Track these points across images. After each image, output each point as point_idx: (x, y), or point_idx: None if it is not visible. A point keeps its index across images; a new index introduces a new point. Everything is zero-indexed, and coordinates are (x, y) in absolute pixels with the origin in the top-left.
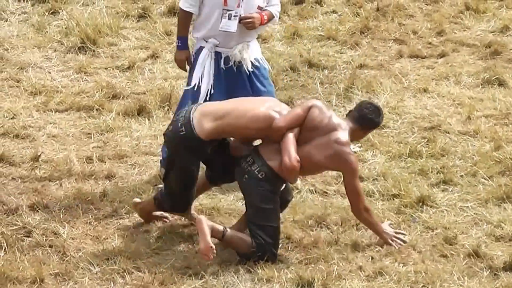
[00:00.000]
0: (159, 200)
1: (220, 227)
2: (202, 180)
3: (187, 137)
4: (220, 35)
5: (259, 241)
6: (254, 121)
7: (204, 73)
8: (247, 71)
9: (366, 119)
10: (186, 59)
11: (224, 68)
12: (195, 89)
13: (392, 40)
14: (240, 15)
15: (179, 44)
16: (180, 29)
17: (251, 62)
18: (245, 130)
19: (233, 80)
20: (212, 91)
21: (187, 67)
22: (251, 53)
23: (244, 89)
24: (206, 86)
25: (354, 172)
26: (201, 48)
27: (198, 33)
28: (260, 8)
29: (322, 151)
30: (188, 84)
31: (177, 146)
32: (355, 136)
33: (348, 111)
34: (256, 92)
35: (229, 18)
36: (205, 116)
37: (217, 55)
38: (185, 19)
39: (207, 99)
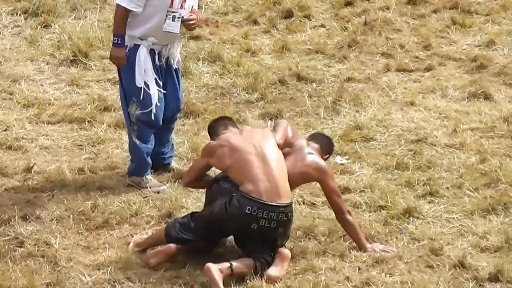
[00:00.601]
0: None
1: (226, 264)
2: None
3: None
4: (160, 34)
5: (262, 261)
6: None
7: (146, 71)
8: (174, 67)
9: (329, 144)
10: (124, 56)
11: (158, 64)
12: (142, 88)
13: (380, 54)
14: (183, 17)
15: (119, 42)
16: (119, 27)
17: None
18: None
19: (165, 75)
20: (156, 84)
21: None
22: (177, 49)
23: (173, 84)
24: (153, 81)
25: (332, 176)
26: (135, 46)
27: (133, 31)
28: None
29: (301, 161)
30: (137, 82)
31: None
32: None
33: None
34: (179, 87)
35: (173, 20)
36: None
37: (151, 52)
38: (125, 17)
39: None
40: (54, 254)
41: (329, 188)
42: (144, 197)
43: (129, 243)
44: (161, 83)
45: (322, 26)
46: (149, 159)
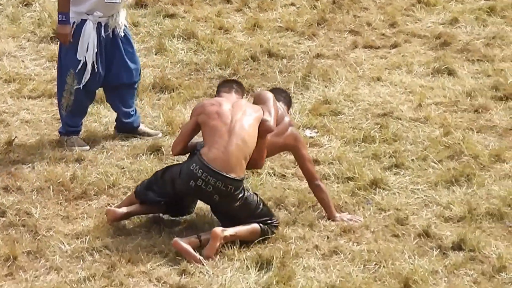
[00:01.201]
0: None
1: (194, 237)
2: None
3: None
4: (104, 6)
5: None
6: None
7: (89, 45)
8: (121, 34)
9: (290, 100)
10: (70, 33)
11: (104, 36)
12: (81, 61)
13: (348, 31)
14: None
15: (63, 19)
16: (64, 5)
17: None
18: None
19: (111, 44)
20: (94, 59)
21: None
22: (122, 18)
23: (120, 54)
24: (92, 57)
25: (305, 144)
26: (82, 21)
27: (79, 7)
28: None
29: (281, 135)
30: (78, 55)
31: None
32: None
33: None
34: (126, 53)
35: None
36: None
37: (98, 24)
38: None
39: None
40: (35, 223)
41: (303, 155)
42: (121, 169)
43: (106, 214)
44: (98, 57)
45: (292, 4)
46: (75, 128)
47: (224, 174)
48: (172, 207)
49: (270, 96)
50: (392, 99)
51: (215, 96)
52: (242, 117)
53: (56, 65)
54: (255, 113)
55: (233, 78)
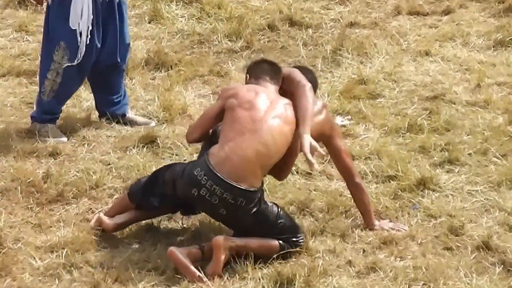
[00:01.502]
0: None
1: (194, 247)
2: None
3: None
4: None
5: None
6: None
7: (83, 10)
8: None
9: (317, 82)
10: None
11: (100, 1)
12: (75, 31)
13: None
14: None
15: None
16: None
17: None
18: None
19: (106, 10)
20: (90, 27)
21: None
22: None
23: (114, 19)
24: (87, 25)
25: (341, 134)
26: None
27: None
28: None
29: (315, 121)
30: (71, 23)
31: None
32: None
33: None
34: (120, 27)
35: None
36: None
37: None
38: None
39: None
40: None
41: (339, 147)
42: (107, 165)
43: (89, 220)
44: (93, 25)
45: None
46: (53, 116)
47: (233, 183)
48: (179, 206)
49: (305, 86)
50: (444, 78)
51: (247, 78)
52: (277, 120)
53: (41, 39)
54: (293, 122)
55: (271, 60)
